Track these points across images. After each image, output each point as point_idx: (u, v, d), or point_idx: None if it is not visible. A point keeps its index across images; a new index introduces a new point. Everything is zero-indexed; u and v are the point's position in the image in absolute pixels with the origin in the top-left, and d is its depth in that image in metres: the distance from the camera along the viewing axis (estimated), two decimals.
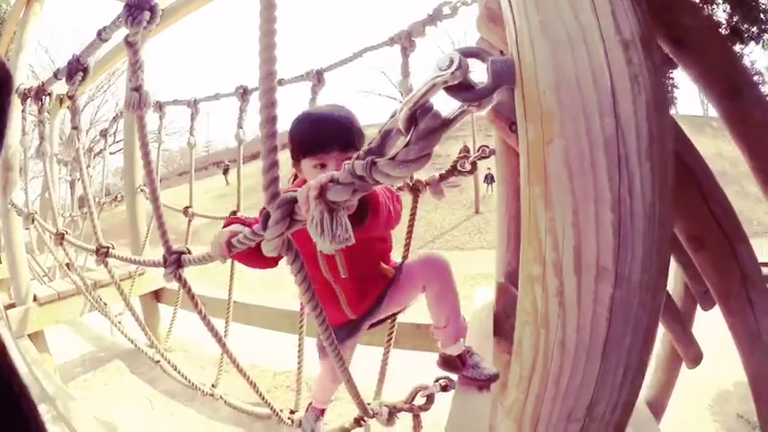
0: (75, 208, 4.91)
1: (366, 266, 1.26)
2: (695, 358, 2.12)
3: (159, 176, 3.86)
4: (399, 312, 1.46)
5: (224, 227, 1.08)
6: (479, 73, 0.54)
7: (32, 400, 0.36)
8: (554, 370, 0.51)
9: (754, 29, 4.93)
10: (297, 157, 1.17)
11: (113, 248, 1.95)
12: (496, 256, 2.34)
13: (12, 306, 3.22)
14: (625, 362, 0.50)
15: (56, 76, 2.15)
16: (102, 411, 2.94)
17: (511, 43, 0.53)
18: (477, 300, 2.39)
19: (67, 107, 3.81)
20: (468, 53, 0.52)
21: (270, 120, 0.72)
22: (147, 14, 1.24)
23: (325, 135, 1.12)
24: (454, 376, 1.49)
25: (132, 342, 2.56)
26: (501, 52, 1.12)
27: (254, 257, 1.03)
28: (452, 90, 0.53)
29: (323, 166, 1.12)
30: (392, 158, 0.55)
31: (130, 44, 1.30)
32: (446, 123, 0.56)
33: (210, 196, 17.65)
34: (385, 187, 1.02)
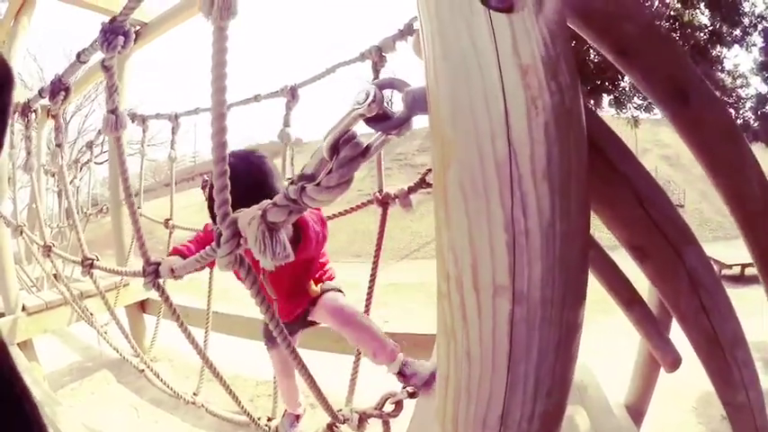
0: (62, 218, 4.93)
1: (292, 288, 1.42)
2: (673, 363, 2.12)
3: (145, 187, 3.89)
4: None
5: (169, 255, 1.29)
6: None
7: (35, 403, 0.37)
8: (464, 379, 0.52)
9: (737, 31, 4.97)
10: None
11: (98, 260, 1.99)
12: None
13: (1, 315, 3.26)
14: (534, 376, 0.51)
15: (40, 94, 2.23)
16: (90, 419, 2.95)
17: (424, 72, 0.55)
18: None
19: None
20: (384, 85, 0.55)
21: (220, 145, 0.78)
22: (121, 39, 1.28)
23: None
24: None
25: (117, 351, 2.60)
26: None
27: None
28: (370, 121, 0.56)
29: None
30: (317, 184, 0.60)
31: (106, 68, 1.34)
32: (366, 151, 0.60)
33: (194, 209, 17.45)
34: (311, 211, 1.13)
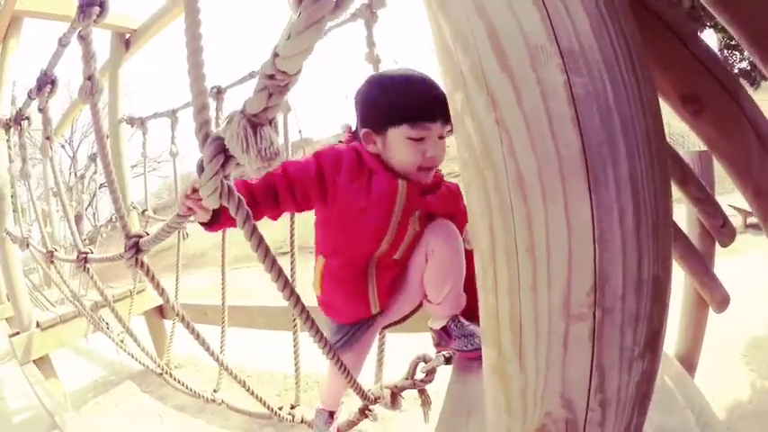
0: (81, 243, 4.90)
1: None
2: (722, 301, 1.93)
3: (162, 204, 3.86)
4: (414, 312, 1.31)
5: None
6: None
7: None
8: (520, 232, 0.33)
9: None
10: (380, 127, 1.02)
11: (92, 253, 1.88)
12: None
13: (16, 334, 3.21)
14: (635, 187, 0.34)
15: (29, 96, 2.22)
16: (113, 428, 2.92)
17: None
18: None
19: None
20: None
21: (197, 65, 0.66)
22: (96, 9, 1.32)
23: (433, 103, 0.98)
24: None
25: (135, 358, 2.51)
26: None
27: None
28: None
29: (421, 139, 0.99)
30: (288, 38, 0.49)
31: (83, 38, 1.37)
32: None
33: None
34: None
